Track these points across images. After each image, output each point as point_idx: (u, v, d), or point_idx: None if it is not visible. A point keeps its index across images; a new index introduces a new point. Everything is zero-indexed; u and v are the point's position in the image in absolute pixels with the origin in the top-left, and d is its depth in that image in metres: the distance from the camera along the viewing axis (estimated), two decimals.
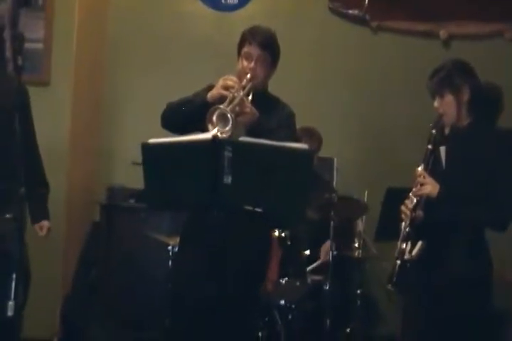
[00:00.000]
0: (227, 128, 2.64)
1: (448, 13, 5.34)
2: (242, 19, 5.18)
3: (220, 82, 2.90)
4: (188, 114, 2.96)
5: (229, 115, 2.65)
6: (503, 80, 3.16)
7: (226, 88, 2.86)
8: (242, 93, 2.84)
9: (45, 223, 3.51)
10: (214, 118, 2.67)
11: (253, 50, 3.05)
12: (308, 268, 4.24)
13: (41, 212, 3.52)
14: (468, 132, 2.95)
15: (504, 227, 2.85)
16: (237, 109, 2.76)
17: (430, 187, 2.84)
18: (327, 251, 4.28)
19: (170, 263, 4.01)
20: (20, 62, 2.92)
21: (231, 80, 2.89)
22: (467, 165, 2.85)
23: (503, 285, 3.00)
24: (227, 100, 2.77)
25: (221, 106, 2.70)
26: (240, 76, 2.99)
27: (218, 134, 2.65)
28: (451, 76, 2.96)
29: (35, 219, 3.49)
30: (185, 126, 3.00)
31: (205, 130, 2.76)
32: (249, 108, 2.84)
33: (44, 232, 3.51)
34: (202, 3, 5.40)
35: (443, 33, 5.36)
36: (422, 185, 2.87)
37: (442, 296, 2.86)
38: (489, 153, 2.85)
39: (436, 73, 3.01)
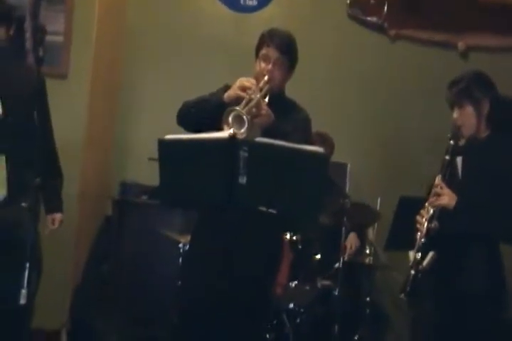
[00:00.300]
0: (243, 130, 2.62)
1: (467, 24, 5.34)
2: (261, 21, 5.19)
3: (237, 83, 2.88)
4: (203, 113, 2.95)
5: (245, 117, 2.63)
6: None
7: (243, 89, 2.84)
8: (259, 95, 2.82)
9: (57, 216, 3.50)
10: (230, 119, 2.65)
11: (271, 52, 3.04)
12: (336, 266, 4.25)
13: (55, 203, 3.52)
14: (486, 143, 2.94)
15: None
16: (253, 110, 2.74)
17: (447, 198, 2.83)
18: (352, 243, 4.30)
19: (180, 260, 4.00)
20: (41, 53, 2.93)
21: (248, 81, 2.88)
22: (484, 177, 2.84)
23: None
24: (244, 101, 2.75)
25: (237, 108, 2.67)
26: (258, 78, 2.97)
27: None
28: (471, 87, 2.95)
29: (49, 210, 3.49)
30: (200, 125, 2.97)
31: (220, 130, 2.76)
32: (265, 110, 2.82)
33: (56, 225, 3.50)
34: (221, 4, 5.41)
35: (461, 44, 5.35)
36: (439, 195, 2.85)
37: (454, 307, 2.85)
38: (506, 165, 2.83)
39: (455, 84, 3.00)
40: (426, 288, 2.88)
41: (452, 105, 3.00)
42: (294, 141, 2.69)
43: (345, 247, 4.31)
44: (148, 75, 5.30)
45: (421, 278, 2.81)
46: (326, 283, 4.20)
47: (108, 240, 4.74)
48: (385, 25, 5.39)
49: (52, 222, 3.50)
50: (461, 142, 3.01)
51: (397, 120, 5.29)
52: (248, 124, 2.63)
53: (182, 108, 3.09)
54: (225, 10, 5.42)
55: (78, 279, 4.64)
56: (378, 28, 5.41)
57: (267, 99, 2.91)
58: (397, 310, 4.54)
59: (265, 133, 2.79)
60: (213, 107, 2.89)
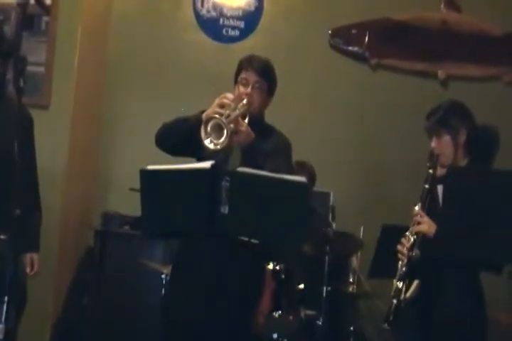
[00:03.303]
0: (221, 140, 2.60)
1: (447, 53, 5.43)
2: (243, 51, 5.13)
3: (217, 101, 2.84)
4: (181, 132, 2.93)
5: (224, 126, 2.60)
6: (499, 123, 3.20)
7: (222, 106, 2.79)
8: (237, 111, 2.79)
9: (35, 255, 3.37)
10: (209, 127, 2.62)
11: (250, 76, 3.04)
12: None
13: (32, 241, 3.37)
14: (467, 172, 2.95)
15: (499, 270, 2.84)
16: (231, 126, 2.69)
17: (427, 226, 2.84)
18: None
19: (163, 291, 3.97)
20: (22, 84, 2.92)
21: (227, 98, 2.84)
22: (464, 205, 2.84)
23: (498, 327, 2.98)
24: (223, 116, 2.70)
25: (217, 116, 2.64)
26: (236, 102, 2.91)
27: (211, 145, 2.62)
28: (449, 117, 2.99)
29: (26, 248, 3.34)
30: (178, 145, 2.99)
31: (198, 151, 2.75)
32: (244, 127, 2.79)
33: (36, 267, 3.35)
34: (204, 34, 5.46)
35: (441, 73, 5.41)
36: (418, 223, 2.86)
37: (436, 336, 2.84)
38: (486, 193, 2.84)
39: (433, 113, 3.03)
40: (408, 316, 2.88)
41: (430, 134, 3.03)
42: (275, 162, 2.71)
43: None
44: (130, 105, 5.32)
45: (403, 307, 2.80)
46: (310, 312, 4.17)
47: (90, 271, 4.69)
48: (367, 54, 5.45)
49: (31, 263, 3.35)
50: (442, 171, 3.03)
51: (379, 148, 5.32)
52: (227, 134, 2.59)
53: (161, 128, 3.07)
54: (207, 40, 5.46)
55: (59, 311, 4.59)
56: (360, 58, 5.47)
57: (246, 120, 2.87)
58: (380, 338, 4.51)
59: (245, 153, 2.80)
60: (191, 126, 2.85)
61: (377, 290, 4.35)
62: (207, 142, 2.63)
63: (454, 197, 2.89)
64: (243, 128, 2.78)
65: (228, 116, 2.71)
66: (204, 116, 2.81)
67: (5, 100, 3.38)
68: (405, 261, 2.84)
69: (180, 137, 2.95)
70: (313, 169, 4.46)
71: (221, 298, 2.89)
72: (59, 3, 4.64)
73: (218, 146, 2.62)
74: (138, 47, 5.38)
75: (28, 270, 3.36)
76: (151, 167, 2.67)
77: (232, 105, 2.80)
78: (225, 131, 2.61)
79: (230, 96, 2.88)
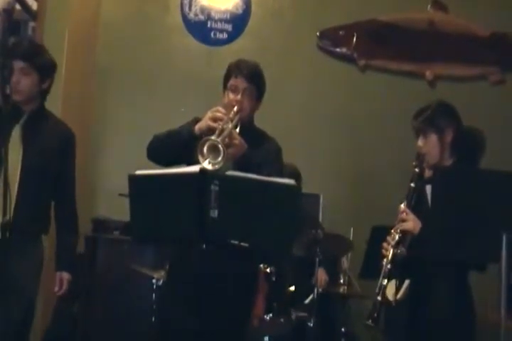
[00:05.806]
0: (219, 160, 2.58)
1: (434, 54, 5.46)
2: (231, 54, 5.21)
3: (209, 114, 2.85)
4: (174, 146, 2.94)
5: (220, 146, 2.59)
6: (486, 122, 3.21)
7: (215, 120, 2.81)
8: (230, 125, 2.80)
9: (65, 275, 3.30)
10: (205, 149, 2.61)
11: (240, 82, 3.04)
12: (306, 301, 4.23)
13: (64, 261, 3.32)
14: (454, 171, 2.95)
15: (483, 268, 2.85)
16: (226, 140, 2.70)
17: (412, 223, 2.85)
18: (322, 278, 4.31)
19: (154, 296, 3.97)
20: (7, 91, 2.92)
21: (220, 112, 2.85)
22: (452, 204, 2.85)
23: (486, 326, 2.99)
24: (217, 132, 2.71)
25: (212, 138, 2.63)
26: (227, 109, 2.94)
27: (209, 166, 2.63)
28: (436, 116, 3.00)
29: (57, 268, 3.31)
30: (171, 158, 2.99)
31: (190, 163, 2.75)
32: (238, 140, 2.79)
33: (64, 287, 3.30)
34: (192, 37, 5.47)
35: (429, 74, 5.44)
36: (403, 221, 2.88)
37: (425, 335, 2.85)
38: (474, 193, 2.84)
39: (421, 113, 3.04)
40: (397, 316, 2.88)
41: (417, 133, 3.04)
42: (266, 171, 2.70)
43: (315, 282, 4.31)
44: (119, 111, 5.32)
45: (393, 307, 2.81)
46: (301, 314, 4.17)
47: (80, 278, 4.66)
48: (355, 55, 5.47)
49: (60, 282, 3.30)
50: (430, 172, 3.04)
51: (368, 150, 5.34)
52: (224, 154, 2.58)
53: (152, 141, 3.06)
54: (196, 43, 5.48)
55: (48, 319, 4.55)
56: (348, 59, 5.50)
57: (238, 129, 2.88)
58: (372, 339, 4.52)
59: (238, 164, 2.78)
60: (184, 140, 2.87)
61: (367, 291, 4.35)
62: (205, 164, 2.61)
63: (442, 196, 2.90)
64: (237, 142, 2.78)
65: (222, 130, 2.72)
66: (197, 129, 2.85)
67: (49, 120, 3.36)
68: (390, 258, 2.85)
69: (173, 151, 2.96)
70: (296, 169, 4.40)
71: (215, 302, 2.90)
72: (46, 9, 4.63)
73: (217, 166, 2.60)
74: (126, 52, 5.38)
75: (56, 289, 3.31)
76: (139, 172, 2.66)
77: (225, 118, 2.81)
78: (222, 150, 2.60)
79: (222, 109, 2.89)
